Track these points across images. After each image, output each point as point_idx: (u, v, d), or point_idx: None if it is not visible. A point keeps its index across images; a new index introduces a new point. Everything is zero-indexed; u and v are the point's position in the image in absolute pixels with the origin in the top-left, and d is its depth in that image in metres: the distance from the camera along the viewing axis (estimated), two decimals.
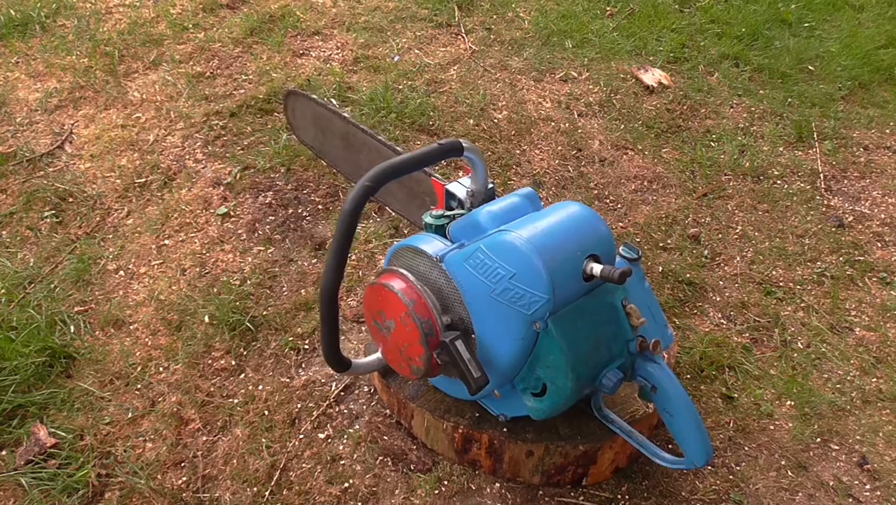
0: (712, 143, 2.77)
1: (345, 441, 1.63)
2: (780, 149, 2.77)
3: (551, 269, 1.22)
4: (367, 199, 1.28)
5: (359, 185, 1.27)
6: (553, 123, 2.71)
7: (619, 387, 1.35)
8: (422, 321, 1.31)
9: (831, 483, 1.66)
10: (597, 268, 1.26)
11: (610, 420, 1.45)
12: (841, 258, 2.32)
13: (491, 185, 1.52)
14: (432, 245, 1.38)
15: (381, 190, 1.99)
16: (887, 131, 2.94)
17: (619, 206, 2.43)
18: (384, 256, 2.09)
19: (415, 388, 1.57)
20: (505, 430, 1.48)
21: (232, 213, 2.22)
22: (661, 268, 2.20)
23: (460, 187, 1.52)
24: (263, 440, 1.63)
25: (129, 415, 1.68)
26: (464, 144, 1.39)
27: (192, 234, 2.16)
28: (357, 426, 1.66)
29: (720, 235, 2.37)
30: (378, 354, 1.48)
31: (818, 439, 1.75)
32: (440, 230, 1.45)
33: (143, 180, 2.34)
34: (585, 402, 1.48)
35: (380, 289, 1.37)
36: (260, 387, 1.75)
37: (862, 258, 2.33)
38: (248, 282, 2.00)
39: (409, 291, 1.34)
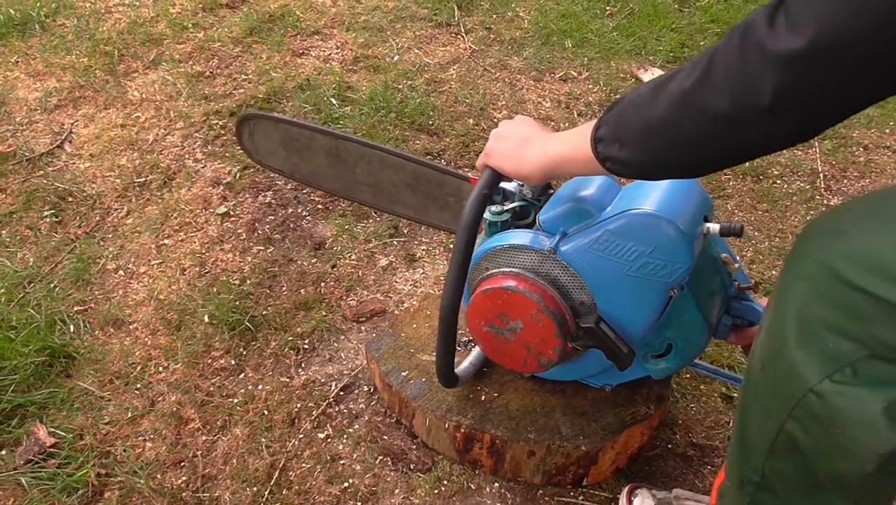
0: None
1: (344, 441, 1.63)
2: None
3: (689, 236, 1.24)
4: (485, 206, 1.29)
5: (475, 193, 1.26)
6: (553, 123, 2.71)
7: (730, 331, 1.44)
8: (555, 314, 1.30)
9: None
10: (714, 226, 1.29)
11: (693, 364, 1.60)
12: None
13: None
14: (533, 239, 1.34)
15: (385, 196, 1.96)
16: (887, 131, 2.94)
17: None
18: (384, 255, 2.09)
19: (416, 387, 1.57)
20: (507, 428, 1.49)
21: (231, 212, 2.22)
22: None
23: (509, 182, 1.50)
24: (263, 440, 1.63)
25: (129, 414, 1.67)
26: None
27: (192, 234, 2.15)
28: (357, 426, 1.66)
29: None
30: (471, 360, 1.54)
31: None
32: (505, 225, 1.44)
33: (143, 180, 2.34)
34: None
35: (499, 293, 1.33)
36: (259, 386, 1.74)
37: None
38: (248, 281, 2.00)
39: (535, 288, 1.31)
